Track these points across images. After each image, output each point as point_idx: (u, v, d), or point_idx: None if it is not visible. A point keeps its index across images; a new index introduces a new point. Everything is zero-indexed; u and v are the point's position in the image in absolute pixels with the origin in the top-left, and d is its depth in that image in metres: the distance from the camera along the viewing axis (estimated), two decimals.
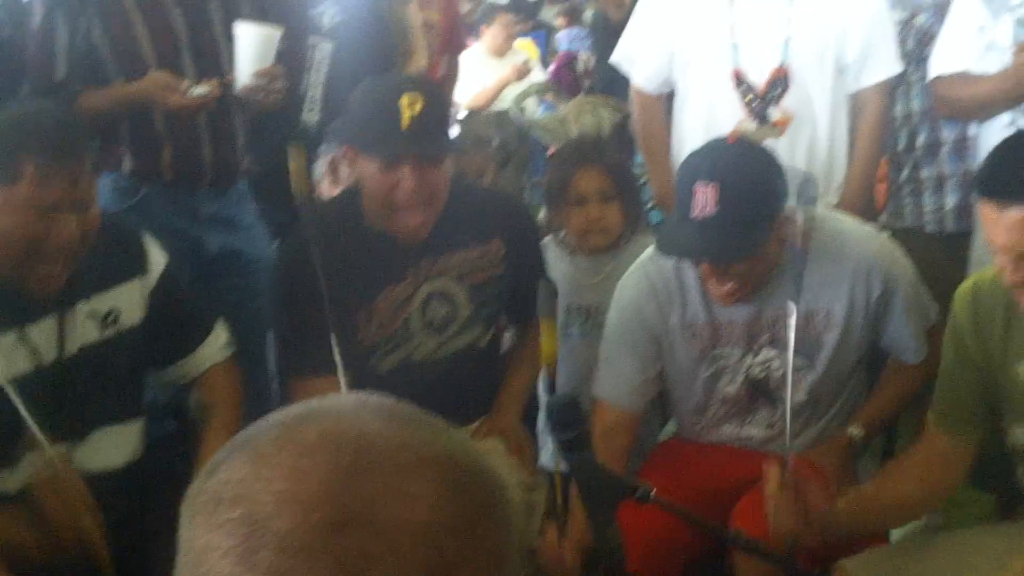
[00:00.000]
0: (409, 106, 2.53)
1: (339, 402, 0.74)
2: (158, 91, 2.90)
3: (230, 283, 3.13)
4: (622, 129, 3.95)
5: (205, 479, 0.71)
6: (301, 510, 0.66)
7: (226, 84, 2.96)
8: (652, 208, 3.72)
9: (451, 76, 4.55)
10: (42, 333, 2.31)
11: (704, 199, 2.36)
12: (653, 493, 1.89)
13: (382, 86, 2.62)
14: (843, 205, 3.16)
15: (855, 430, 2.67)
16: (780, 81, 3.17)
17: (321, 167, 3.27)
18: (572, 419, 1.86)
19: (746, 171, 2.41)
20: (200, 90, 2.90)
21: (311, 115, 3.57)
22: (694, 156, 2.48)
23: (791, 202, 2.49)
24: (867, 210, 3.28)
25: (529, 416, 3.05)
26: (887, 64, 3.22)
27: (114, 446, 2.43)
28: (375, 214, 2.65)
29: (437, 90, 2.73)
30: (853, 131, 3.27)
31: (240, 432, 0.74)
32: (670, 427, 2.97)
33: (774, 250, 2.49)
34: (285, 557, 0.65)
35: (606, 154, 3.20)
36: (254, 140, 3.21)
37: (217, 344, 2.63)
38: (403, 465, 0.69)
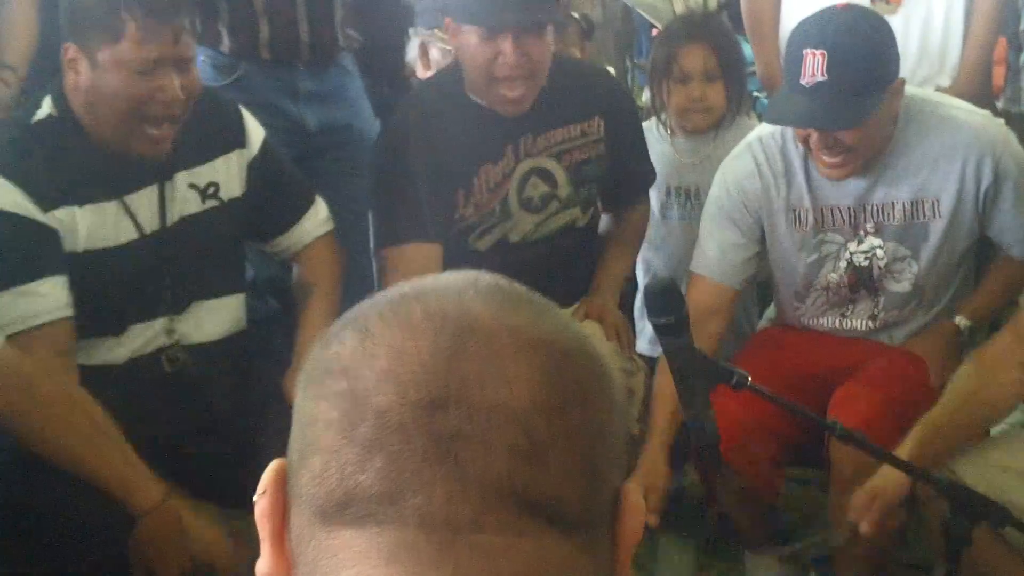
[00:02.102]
0: None
1: (449, 281, 0.74)
2: None
3: (334, 156, 3.13)
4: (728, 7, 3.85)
5: (320, 350, 0.73)
6: (399, 388, 0.67)
7: None
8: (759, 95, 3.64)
9: None
10: (144, 202, 2.33)
11: (813, 65, 2.32)
12: (749, 380, 1.87)
13: None
14: (957, 89, 3.06)
15: (962, 320, 2.62)
16: None
17: (412, 50, 3.25)
18: (670, 303, 1.84)
19: (856, 37, 2.35)
20: None
21: None
22: (804, 23, 2.44)
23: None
24: (983, 93, 3.18)
25: (626, 300, 3.03)
26: None
27: (215, 318, 2.47)
28: (476, 87, 2.64)
29: None
30: (970, 9, 3.15)
31: (355, 306, 0.75)
32: (770, 312, 2.94)
33: (885, 124, 2.43)
34: (382, 433, 0.67)
35: (713, 31, 3.12)
36: (356, 15, 3.19)
37: (317, 219, 2.63)
38: (502, 347, 0.69)
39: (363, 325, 0.71)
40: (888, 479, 2.24)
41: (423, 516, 0.66)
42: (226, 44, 3.01)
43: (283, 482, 0.72)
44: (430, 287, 0.74)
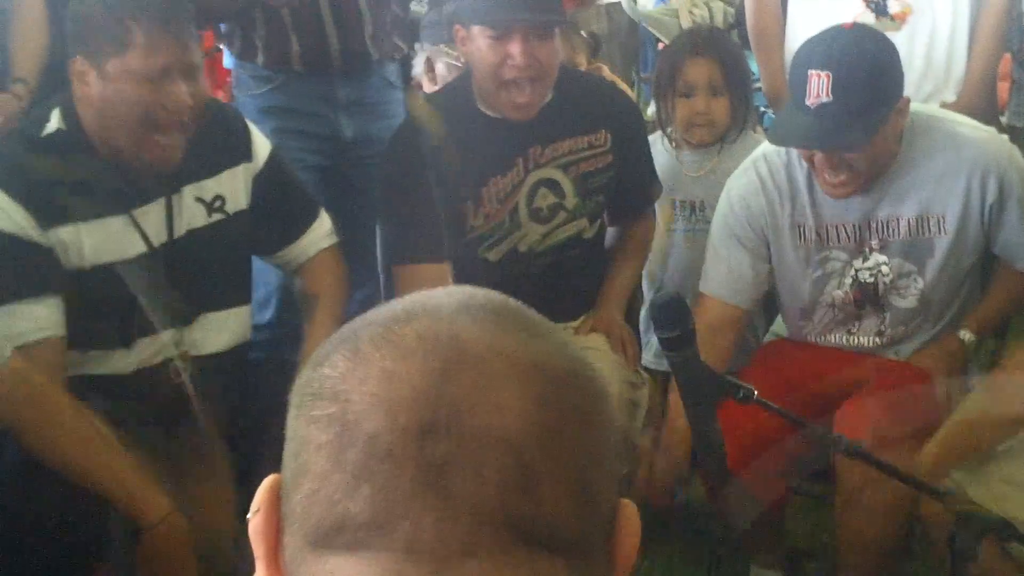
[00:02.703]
0: None
1: (442, 300, 0.74)
2: None
3: (368, 167, 3.15)
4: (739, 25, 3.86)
5: (312, 370, 0.72)
6: (389, 414, 0.67)
7: None
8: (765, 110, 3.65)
9: None
10: (151, 216, 2.34)
11: (818, 86, 2.32)
12: (756, 394, 1.87)
13: None
14: (961, 104, 3.06)
15: (966, 334, 2.62)
16: None
17: (418, 65, 3.27)
18: (677, 317, 1.84)
19: (861, 58, 2.36)
20: None
21: (419, 6, 3.55)
22: (809, 43, 2.44)
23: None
24: (987, 109, 3.18)
25: (632, 313, 3.04)
26: None
27: (222, 329, 2.47)
28: (486, 93, 2.67)
29: None
30: (975, 25, 3.16)
31: (347, 324, 0.75)
32: (776, 327, 2.94)
33: (889, 142, 2.43)
34: (371, 459, 0.66)
35: (718, 46, 3.13)
36: (397, 24, 3.21)
37: (321, 231, 2.64)
38: (494, 372, 0.68)
39: (354, 346, 0.71)
40: (893, 491, 2.24)
41: (412, 543, 0.65)
42: (261, 58, 3.03)
43: (277, 500, 0.72)
44: (421, 307, 0.73)
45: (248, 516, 0.73)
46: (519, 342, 0.71)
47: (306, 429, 0.70)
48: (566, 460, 0.68)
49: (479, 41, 2.61)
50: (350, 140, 3.13)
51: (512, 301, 0.75)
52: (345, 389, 0.69)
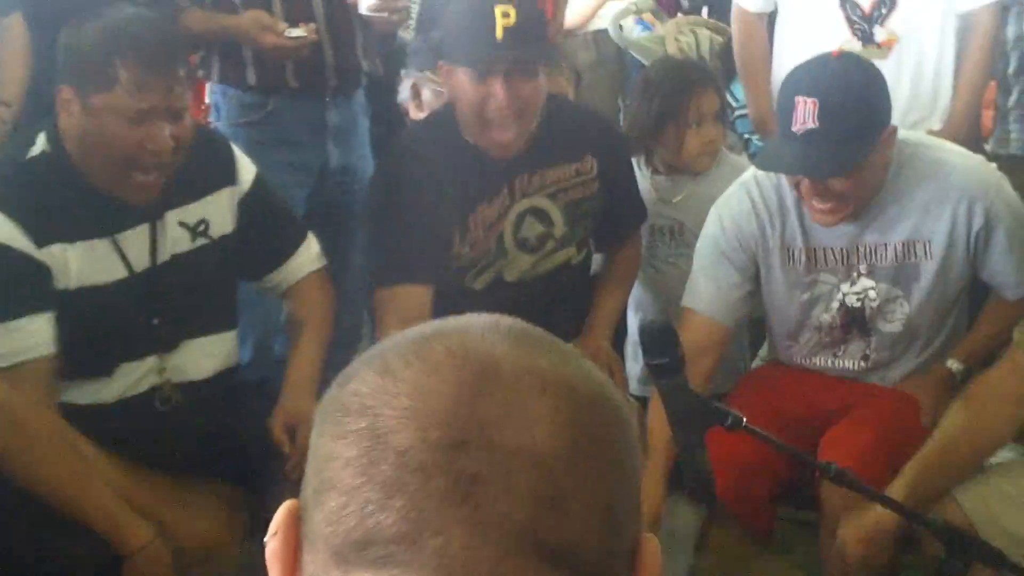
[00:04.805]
0: (503, 17, 2.51)
1: (471, 321, 0.74)
2: (254, 30, 2.93)
3: (344, 200, 3.16)
4: (727, 54, 3.88)
5: (338, 388, 0.72)
6: (420, 428, 0.67)
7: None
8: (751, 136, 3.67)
9: None
10: (135, 241, 2.33)
11: (805, 113, 2.32)
12: (744, 421, 1.87)
13: None
14: (947, 131, 3.08)
15: (954, 363, 2.62)
16: (887, 1, 3.08)
17: (404, 91, 3.27)
18: (666, 345, 1.84)
19: (848, 85, 2.37)
20: (296, 32, 2.91)
21: (407, 32, 3.55)
22: (796, 70, 2.46)
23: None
24: (972, 136, 3.19)
25: (617, 340, 3.04)
26: None
27: (207, 355, 2.46)
28: (469, 130, 2.66)
29: (532, 2, 2.70)
30: (961, 53, 3.17)
31: (375, 345, 0.75)
32: (763, 352, 2.94)
33: (877, 169, 2.44)
34: (402, 472, 0.66)
35: (714, 75, 3.22)
36: (375, 46, 3.23)
37: (309, 255, 2.62)
38: (525, 389, 0.69)
39: (384, 363, 0.71)
40: (880, 516, 2.24)
41: (441, 560, 0.65)
42: (252, 77, 3.02)
43: (296, 523, 0.72)
44: (451, 327, 0.73)
45: (264, 540, 0.73)
46: (548, 362, 0.71)
47: (332, 445, 0.69)
48: (594, 481, 0.69)
49: (462, 79, 2.60)
50: (335, 168, 3.13)
51: (537, 327, 0.76)
52: (376, 404, 0.69)
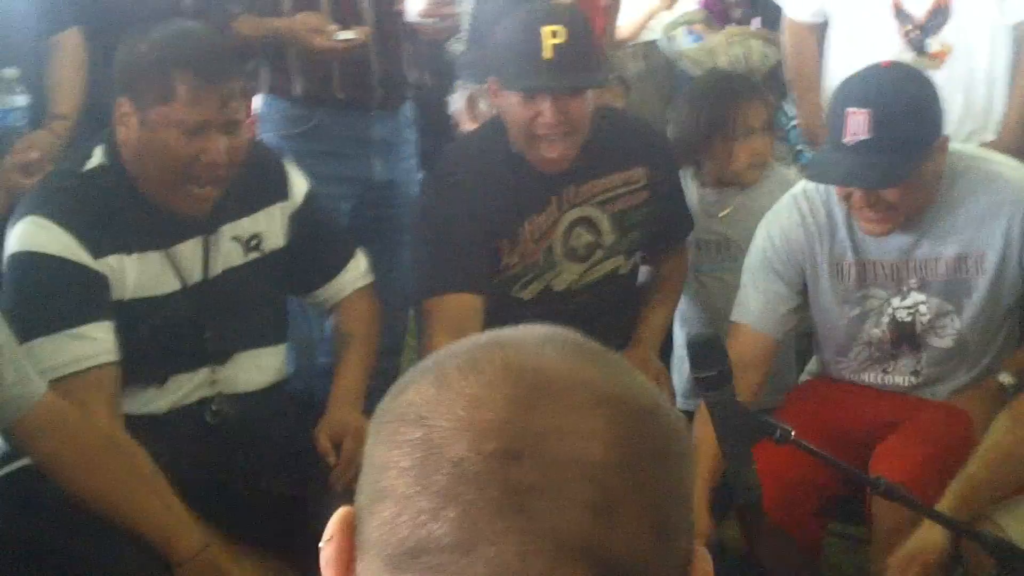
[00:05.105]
0: (551, 36, 2.52)
1: (526, 333, 0.75)
2: (305, 32, 2.92)
3: (387, 213, 3.17)
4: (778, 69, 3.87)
5: (393, 398, 0.73)
6: (476, 438, 0.67)
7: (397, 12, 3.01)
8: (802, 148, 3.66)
9: (615, 1, 4.50)
10: (188, 254, 2.36)
11: (856, 124, 2.32)
12: (792, 434, 1.86)
13: (525, 17, 2.62)
14: (1001, 142, 3.06)
15: (1006, 377, 2.59)
16: (940, 11, 3.08)
17: (458, 101, 3.28)
18: (713, 357, 1.83)
19: (900, 95, 2.36)
20: (346, 35, 2.92)
21: (456, 45, 3.56)
22: (848, 81, 2.45)
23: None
24: None
25: (662, 353, 3.03)
26: None
27: (257, 368, 2.48)
28: (519, 145, 2.67)
29: (582, 21, 2.71)
30: (1014, 65, 3.14)
31: (429, 355, 0.75)
32: (810, 365, 2.92)
33: (929, 179, 2.42)
34: (457, 482, 0.67)
35: (762, 87, 3.21)
36: (423, 59, 3.24)
37: (358, 271, 2.64)
38: (579, 402, 0.69)
39: (440, 374, 0.72)
40: (927, 539, 2.21)
41: (494, 569, 0.66)
42: (299, 88, 3.04)
43: (350, 529, 0.72)
44: (507, 339, 0.74)
45: (320, 545, 0.73)
46: (602, 375, 0.72)
47: (388, 454, 0.70)
48: (647, 494, 0.69)
49: (511, 97, 2.61)
50: (379, 181, 3.14)
51: (591, 340, 0.76)
52: (431, 414, 0.69)
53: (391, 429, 0.71)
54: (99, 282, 2.24)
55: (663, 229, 2.90)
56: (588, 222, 2.76)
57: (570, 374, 0.71)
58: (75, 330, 2.20)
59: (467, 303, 2.61)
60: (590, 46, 2.71)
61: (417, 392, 0.71)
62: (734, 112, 3.05)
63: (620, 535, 0.67)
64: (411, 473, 0.68)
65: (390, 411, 0.72)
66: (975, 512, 2.23)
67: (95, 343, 2.21)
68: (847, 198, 2.45)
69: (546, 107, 2.55)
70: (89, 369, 2.19)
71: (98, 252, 2.24)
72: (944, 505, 2.20)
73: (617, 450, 0.68)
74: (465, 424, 0.68)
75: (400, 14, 3.05)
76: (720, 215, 3.10)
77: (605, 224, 2.77)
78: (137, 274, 2.29)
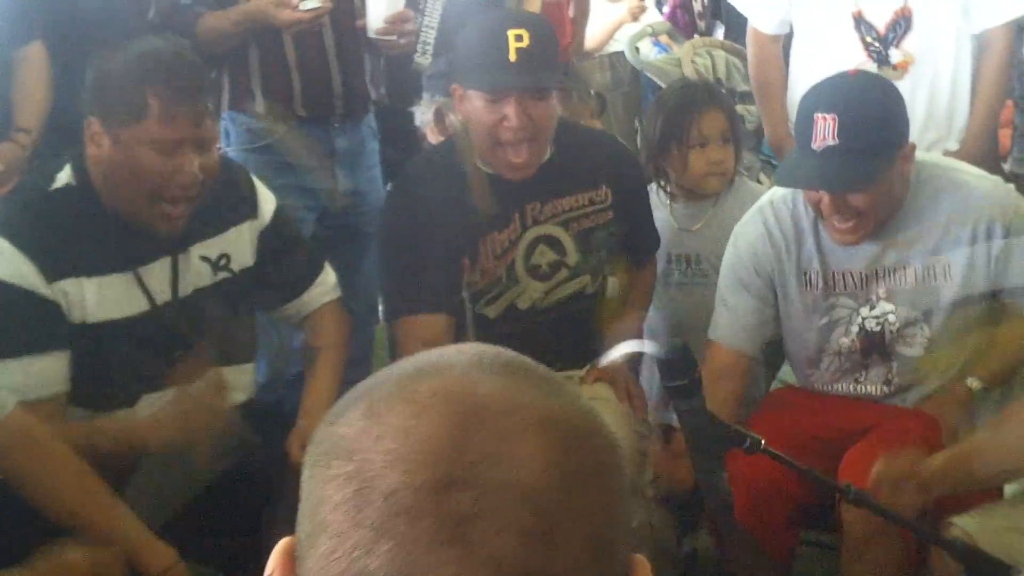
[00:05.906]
0: (516, 40, 2.53)
1: (454, 357, 0.74)
2: (271, 8, 2.91)
3: (352, 222, 3.16)
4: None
5: (325, 428, 0.73)
6: (407, 470, 0.67)
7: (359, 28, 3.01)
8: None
9: (582, 13, 4.53)
10: (156, 275, 2.34)
11: (824, 129, 2.34)
12: (762, 443, 1.86)
13: (489, 21, 2.64)
14: (964, 151, 3.08)
15: (974, 382, 2.60)
16: (902, 21, 3.09)
17: (424, 114, 3.28)
18: (684, 366, 1.84)
19: (866, 101, 2.40)
20: (311, 3, 2.90)
21: (423, 58, 3.57)
22: (815, 88, 2.48)
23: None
24: (990, 157, 3.19)
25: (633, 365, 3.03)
26: (1014, 2, 3.11)
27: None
28: (483, 152, 2.67)
29: (547, 27, 2.72)
30: (976, 73, 3.17)
31: (362, 382, 0.75)
32: (782, 374, 2.93)
33: (896, 185, 2.44)
34: (389, 516, 0.66)
35: (724, 96, 3.19)
36: (385, 72, 3.24)
37: (326, 285, 2.65)
38: (511, 427, 0.69)
39: (368, 405, 0.71)
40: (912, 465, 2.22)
41: None
42: (260, 103, 3.03)
43: (291, 562, 0.72)
44: (434, 364, 0.73)
45: None
46: (533, 397, 0.71)
47: (323, 488, 0.69)
48: (584, 514, 0.69)
49: (475, 102, 2.61)
50: (344, 192, 3.14)
51: (522, 357, 0.76)
52: (361, 447, 0.69)
53: (324, 463, 0.70)
54: (49, 310, 2.21)
55: (629, 247, 2.90)
56: (551, 240, 2.75)
57: (501, 398, 0.70)
58: (19, 360, 2.18)
59: (436, 324, 2.61)
60: (555, 52, 2.73)
61: (347, 424, 0.71)
62: (689, 121, 3.05)
63: (559, 557, 0.67)
64: (344, 507, 0.68)
65: (323, 442, 0.72)
66: (964, 474, 2.24)
67: (40, 375, 2.19)
68: (816, 205, 2.47)
69: (511, 110, 2.56)
70: (33, 401, 2.15)
71: (53, 276, 2.20)
72: (937, 461, 2.21)
73: (552, 473, 0.68)
74: (395, 457, 0.67)
75: (360, 30, 3.05)
76: (692, 229, 3.11)
77: (569, 243, 2.76)
78: (98, 297, 2.26)
